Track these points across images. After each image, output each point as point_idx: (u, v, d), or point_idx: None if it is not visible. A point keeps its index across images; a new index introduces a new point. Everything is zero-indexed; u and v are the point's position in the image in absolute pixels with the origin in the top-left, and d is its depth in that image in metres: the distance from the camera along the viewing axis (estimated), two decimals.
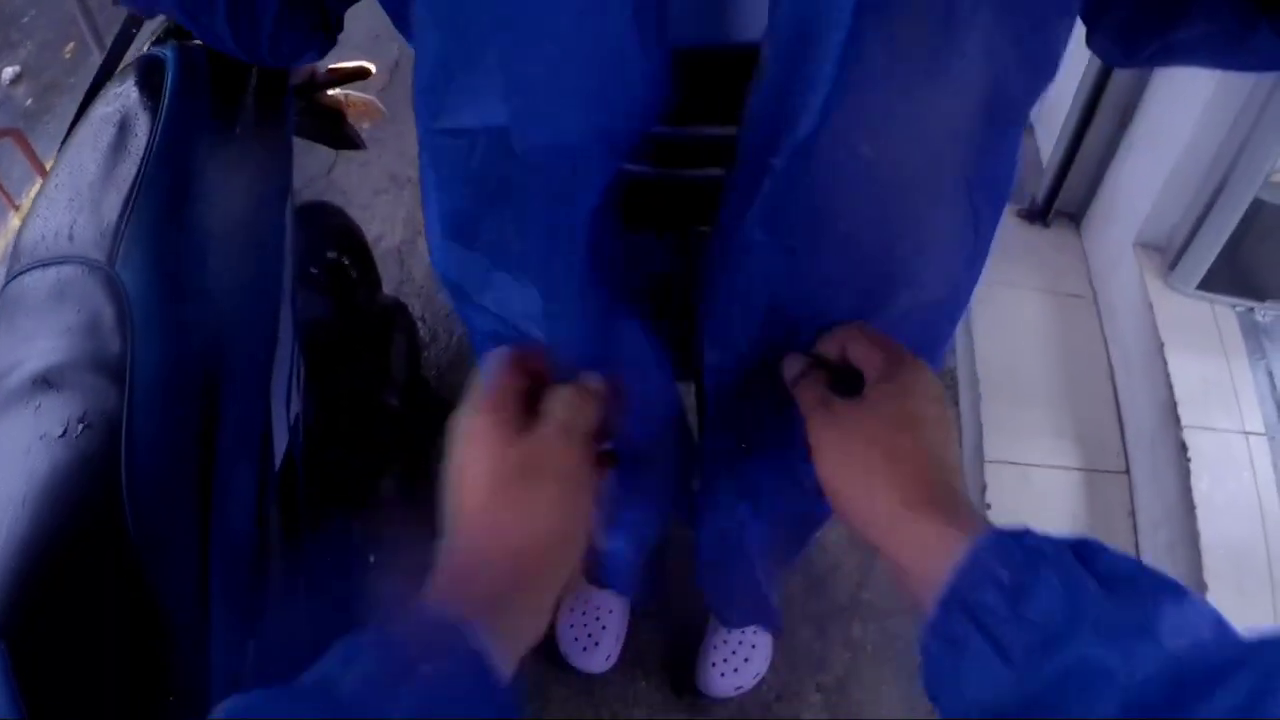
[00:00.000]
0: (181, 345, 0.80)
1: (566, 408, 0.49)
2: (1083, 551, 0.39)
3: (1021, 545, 0.39)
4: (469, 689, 0.38)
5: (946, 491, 0.46)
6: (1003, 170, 0.62)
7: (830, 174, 0.50)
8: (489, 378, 0.50)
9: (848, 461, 0.48)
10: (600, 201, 0.49)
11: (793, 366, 0.56)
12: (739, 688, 1.40)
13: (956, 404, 1.73)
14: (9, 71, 2.55)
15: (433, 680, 0.37)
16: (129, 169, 0.87)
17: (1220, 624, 0.35)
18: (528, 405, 0.49)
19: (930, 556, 0.42)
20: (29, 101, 2.47)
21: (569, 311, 0.56)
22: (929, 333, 0.71)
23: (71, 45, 2.56)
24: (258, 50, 0.66)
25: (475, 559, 0.44)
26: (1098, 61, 1.71)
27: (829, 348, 0.56)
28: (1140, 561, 0.38)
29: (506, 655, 0.42)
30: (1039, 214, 1.98)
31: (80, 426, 0.72)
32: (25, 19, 2.73)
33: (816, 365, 0.56)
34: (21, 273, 0.83)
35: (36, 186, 1.11)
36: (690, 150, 0.59)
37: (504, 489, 0.45)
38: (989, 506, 1.57)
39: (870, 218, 0.56)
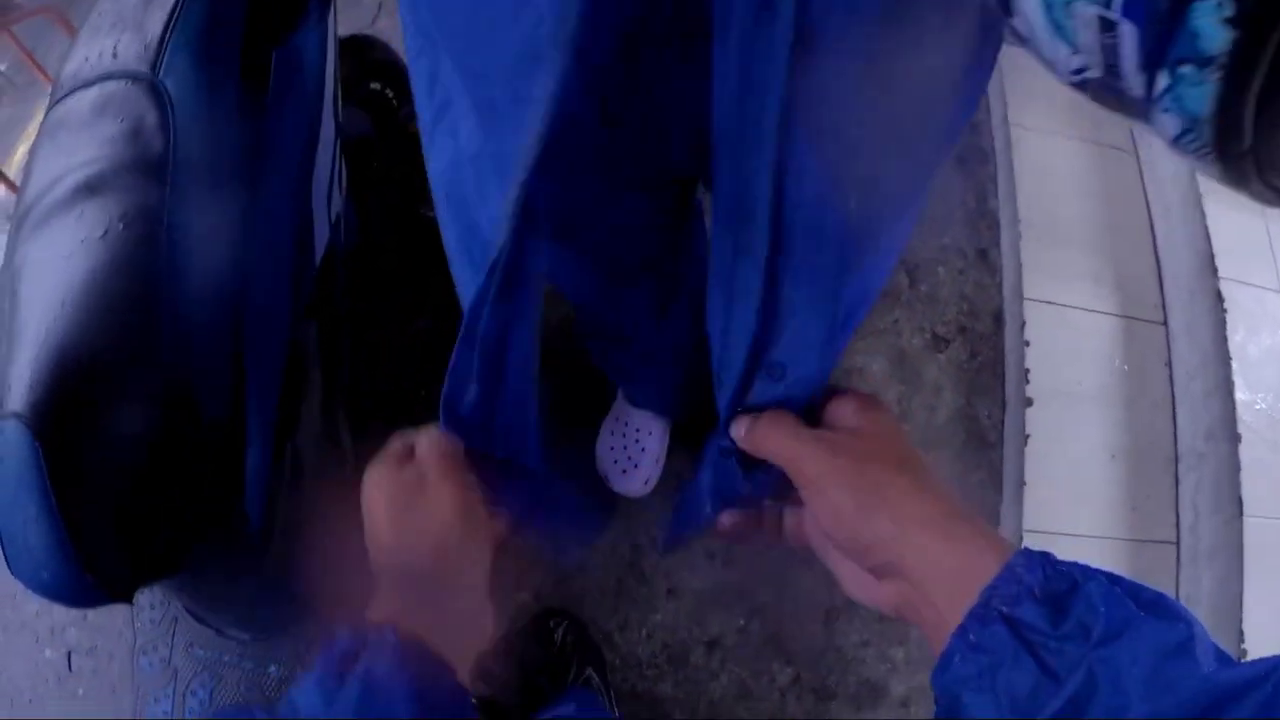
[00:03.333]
0: (221, 144, 0.78)
1: (430, 438, 0.53)
2: (1109, 575, 0.39)
3: (1053, 562, 0.40)
4: (406, 675, 0.41)
5: (962, 509, 0.45)
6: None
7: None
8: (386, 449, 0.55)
9: (860, 481, 0.46)
10: None
11: (741, 423, 0.53)
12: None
13: (998, 244, 1.67)
14: None
15: (366, 674, 0.40)
16: None
17: (1219, 650, 0.36)
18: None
19: (957, 569, 0.42)
20: None
21: None
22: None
23: None
24: None
25: (395, 574, 0.49)
26: None
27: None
28: (1157, 590, 0.39)
29: (450, 653, 0.45)
30: None
31: (120, 226, 0.70)
32: None
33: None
34: (64, 97, 0.81)
35: None
36: None
37: (400, 505, 0.50)
38: (1028, 344, 1.53)
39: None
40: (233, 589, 0.91)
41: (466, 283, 0.55)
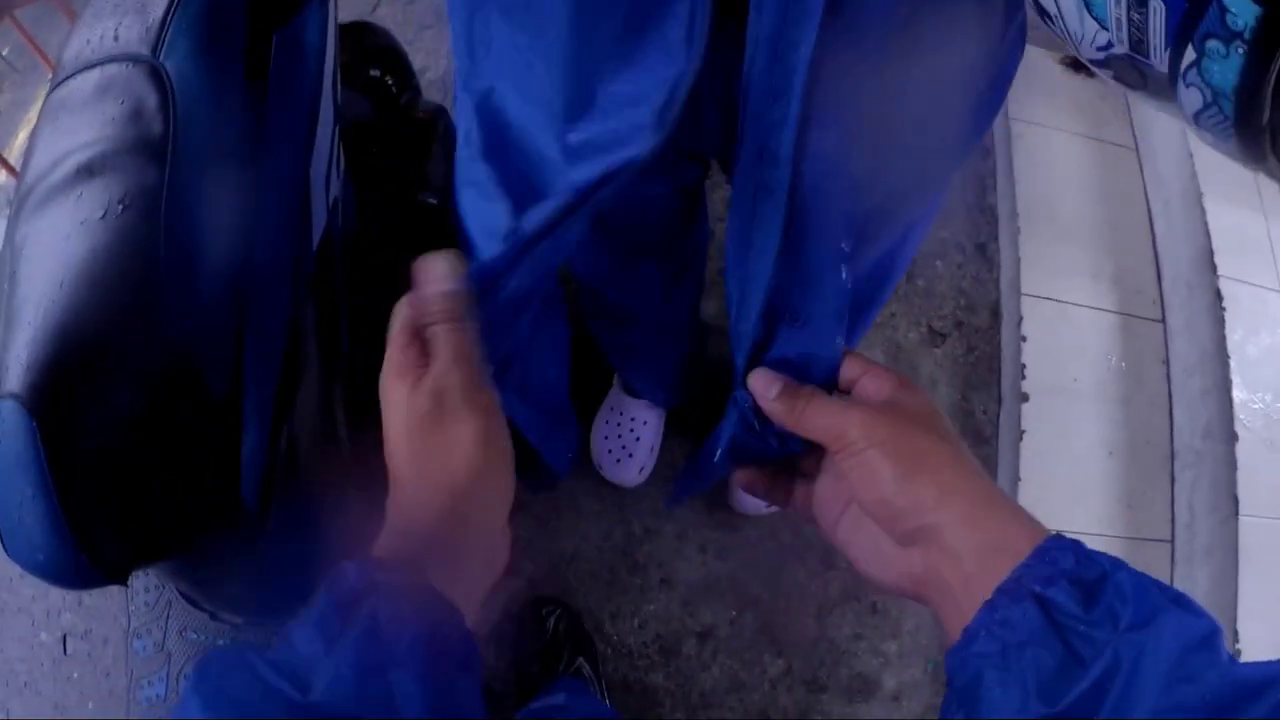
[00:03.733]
0: (222, 125, 0.77)
1: (446, 338, 0.50)
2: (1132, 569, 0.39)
3: (1083, 550, 0.40)
4: (413, 623, 0.39)
5: (997, 490, 0.45)
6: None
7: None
8: (390, 338, 0.51)
9: (902, 446, 0.46)
10: None
11: (773, 385, 0.51)
12: (771, 505, 1.38)
13: (996, 239, 1.67)
14: None
15: (371, 620, 0.38)
16: None
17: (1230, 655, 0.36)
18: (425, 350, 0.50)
19: (992, 541, 0.41)
20: None
21: None
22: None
23: None
24: None
25: (410, 508, 0.46)
26: None
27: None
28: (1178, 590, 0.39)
29: (462, 597, 0.43)
30: (1083, 63, 1.86)
31: (120, 207, 0.69)
32: None
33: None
34: (65, 79, 0.81)
35: None
36: None
37: (419, 432, 0.47)
38: (1025, 339, 1.53)
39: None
40: (227, 573, 0.90)
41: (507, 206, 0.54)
